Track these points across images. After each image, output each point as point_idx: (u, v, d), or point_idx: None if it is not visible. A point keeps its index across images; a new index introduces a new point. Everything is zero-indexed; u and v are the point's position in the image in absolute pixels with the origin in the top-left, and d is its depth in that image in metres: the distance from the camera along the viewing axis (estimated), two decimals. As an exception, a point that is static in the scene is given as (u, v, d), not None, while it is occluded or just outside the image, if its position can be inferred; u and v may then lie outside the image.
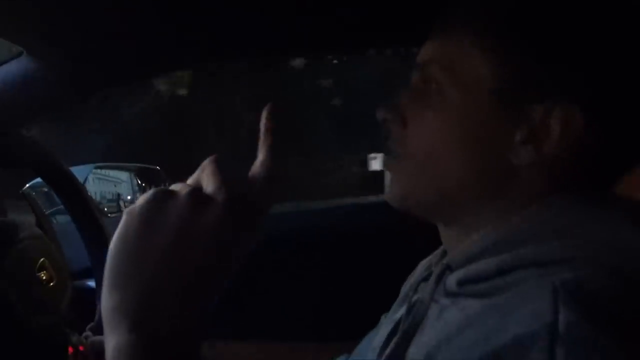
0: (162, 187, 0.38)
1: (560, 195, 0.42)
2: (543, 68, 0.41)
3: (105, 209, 1.39)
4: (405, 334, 0.45)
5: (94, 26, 0.69)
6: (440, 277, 0.45)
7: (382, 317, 0.62)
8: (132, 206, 0.38)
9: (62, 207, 0.97)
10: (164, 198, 0.36)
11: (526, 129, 0.42)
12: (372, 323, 0.64)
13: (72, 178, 0.83)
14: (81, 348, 0.70)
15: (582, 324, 0.31)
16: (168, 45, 0.78)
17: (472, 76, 0.43)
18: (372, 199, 1.36)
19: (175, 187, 0.38)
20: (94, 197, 1.25)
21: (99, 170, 1.39)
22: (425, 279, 0.51)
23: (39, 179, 0.91)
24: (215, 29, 0.76)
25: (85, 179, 1.27)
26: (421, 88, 0.47)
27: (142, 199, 0.38)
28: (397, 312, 0.55)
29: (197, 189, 0.37)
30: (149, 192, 0.38)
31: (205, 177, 0.38)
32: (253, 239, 0.38)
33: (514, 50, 0.42)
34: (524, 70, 0.42)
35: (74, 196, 0.83)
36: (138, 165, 1.71)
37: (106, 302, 0.36)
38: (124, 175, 1.59)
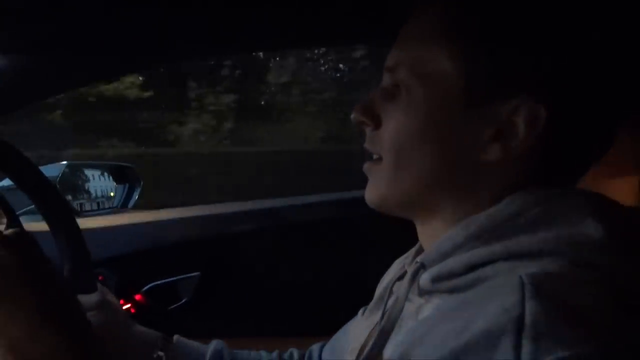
0: None
1: (525, 191, 0.43)
2: (508, 67, 0.43)
3: (78, 208, 1.36)
4: (381, 334, 0.46)
5: (63, 20, 0.67)
6: (415, 276, 0.46)
7: (360, 311, 0.63)
8: None
9: (31, 208, 0.94)
10: None
11: (494, 127, 0.43)
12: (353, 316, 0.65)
13: (42, 177, 0.82)
14: None
15: (547, 317, 0.33)
16: (141, 43, 0.77)
17: (440, 77, 0.44)
18: (352, 193, 1.36)
19: None
20: (66, 196, 1.23)
21: (71, 169, 1.35)
22: (399, 278, 0.52)
23: (6, 180, 0.88)
24: (193, 26, 0.75)
25: (57, 177, 1.24)
26: (393, 90, 0.48)
27: None
28: (374, 313, 0.56)
29: None
30: None
31: None
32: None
33: (480, 51, 0.43)
34: (490, 70, 0.43)
35: (45, 195, 0.81)
36: (111, 163, 1.68)
37: None
38: (97, 173, 1.55)
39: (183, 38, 0.76)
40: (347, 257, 1.21)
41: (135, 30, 0.73)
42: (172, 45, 0.77)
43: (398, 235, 0.56)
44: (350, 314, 0.65)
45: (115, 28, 0.71)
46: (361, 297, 0.63)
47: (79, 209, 1.34)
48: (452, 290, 0.42)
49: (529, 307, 0.33)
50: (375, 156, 0.49)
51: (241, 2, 0.69)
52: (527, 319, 0.33)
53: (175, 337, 0.70)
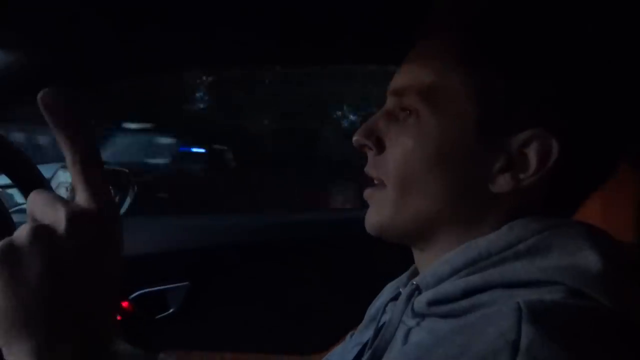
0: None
1: (525, 219, 0.43)
2: (522, 99, 0.43)
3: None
4: (373, 355, 0.45)
5: (69, 21, 0.67)
6: (409, 298, 0.45)
7: (349, 335, 0.62)
8: None
9: (21, 207, 0.93)
10: (9, 251, 0.35)
11: (504, 158, 0.43)
12: (341, 336, 0.64)
13: (39, 176, 0.81)
14: None
15: (542, 343, 0.33)
16: (144, 49, 0.77)
17: (453, 106, 0.44)
18: (346, 213, 1.36)
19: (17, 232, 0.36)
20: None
21: (65, 169, 1.34)
22: (393, 299, 0.51)
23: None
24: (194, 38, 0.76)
25: (50, 178, 1.23)
26: (399, 114, 0.47)
27: None
28: (364, 334, 0.55)
29: (37, 228, 0.35)
30: None
31: (38, 210, 0.36)
32: (114, 253, 0.37)
33: (496, 81, 0.43)
34: (505, 101, 0.43)
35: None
36: (105, 167, 1.65)
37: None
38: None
39: (190, 46, 0.76)
40: (339, 277, 1.20)
41: (139, 40, 0.74)
42: (178, 52, 0.77)
43: (391, 258, 0.56)
44: (339, 335, 0.64)
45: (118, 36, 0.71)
46: (350, 318, 0.62)
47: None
48: (447, 315, 0.42)
49: (525, 332, 0.33)
50: (376, 181, 0.48)
51: (243, 17, 0.70)
52: (522, 343, 0.33)
53: (161, 356, 0.68)
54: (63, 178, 1.44)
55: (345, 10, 0.68)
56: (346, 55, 0.88)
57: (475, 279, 0.41)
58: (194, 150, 5.68)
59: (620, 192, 0.54)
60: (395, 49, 0.51)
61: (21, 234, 0.35)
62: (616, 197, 0.54)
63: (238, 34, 0.72)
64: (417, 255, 0.50)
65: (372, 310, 0.59)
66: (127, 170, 1.57)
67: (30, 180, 0.82)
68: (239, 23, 0.69)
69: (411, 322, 0.45)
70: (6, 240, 0.35)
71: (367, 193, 0.49)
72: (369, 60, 1.00)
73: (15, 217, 0.88)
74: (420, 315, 0.44)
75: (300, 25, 0.72)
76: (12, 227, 0.84)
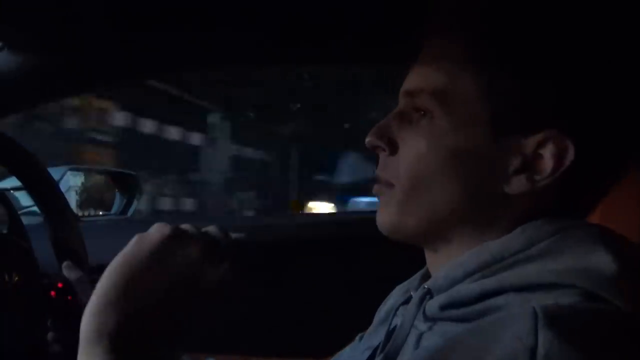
0: (181, 227, 0.43)
1: (537, 222, 0.42)
2: (537, 100, 0.42)
3: (78, 213, 1.36)
4: (385, 359, 0.45)
5: (79, 23, 0.68)
6: (421, 302, 0.45)
7: (357, 337, 0.61)
8: (146, 234, 0.42)
9: (32, 209, 0.95)
10: (181, 240, 0.41)
11: (519, 159, 0.43)
12: (350, 340, 0.64)
13: (49, 179, 0.82)
14: (60, 285, 0.70)
15: (560, 348, 0.32)
16: (152, 51, 0.78)
17: (466, 107, 0.43)
18: (354, 214, 1.37)
19: (190, 230, 0.44)
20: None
21: (74, 172, 1.36)
22: (404, 302, 0.50)
23: (8, 180, 0.89)
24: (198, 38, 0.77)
25: (59, 181, 1.25)
26: (412, 115, 0.46)
27: (159, 231, 0.42)
28: (374, 337, 0.55)
29: (213, 243, 0.44)
30: (168, 228, 0.42)
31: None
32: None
33: (508, 82, 0.43)
34: (518, 102, 0.42)
35: (50, 198, 0.82)
36: (114, 169, 1.69)
37: (88, 324, 0.39)
38: (99, 179, 1.56)
39: (190, 46, 0.77)
40: (346, 279, 1.20)
41: (141, 41, 0.75)
42: (178, 52, 0.78)
43: (400, 260, 0.55)
44: (346, 338, 0.64)
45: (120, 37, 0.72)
46: (358, 321, 0.62)
47: (78, 214, 1.34)
48: (461, 319, 0.41)
49: (542, 337, 0.33)
50: (390, 179, 0.47)
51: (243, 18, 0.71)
52: (540, 349, 0.32)
53: (184, 357, 0.68)
54: (72, 182, 1.46)
55: (345, 10, 0.69)
56: (347, 55, 0.89)
57: (490, 282, 0.40)
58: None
59: (621, 193, 0.54)
60: (395, 49, 0.51)
61: (196, 235, 0.43)
62: (617, 197, 0.54)
63: (238, 34, 0.72)
64: (430, 255, 0.49)
65: (381, 312, 0.58)
66: (134, 174, 1.59)
67: (40, 183, 0.83)
68: (239, 23, 0.70)
69: (423, 326, 0.44)
70: (182, 229, 0.42)
71: (376, 189, 0.49)
72: (369, 60, 1.01)
73: (24, 219, 0.90)
74: (432, 320, 0.44)
75: (300, 25, 0.73)
76: (22, 229, 0.85)
